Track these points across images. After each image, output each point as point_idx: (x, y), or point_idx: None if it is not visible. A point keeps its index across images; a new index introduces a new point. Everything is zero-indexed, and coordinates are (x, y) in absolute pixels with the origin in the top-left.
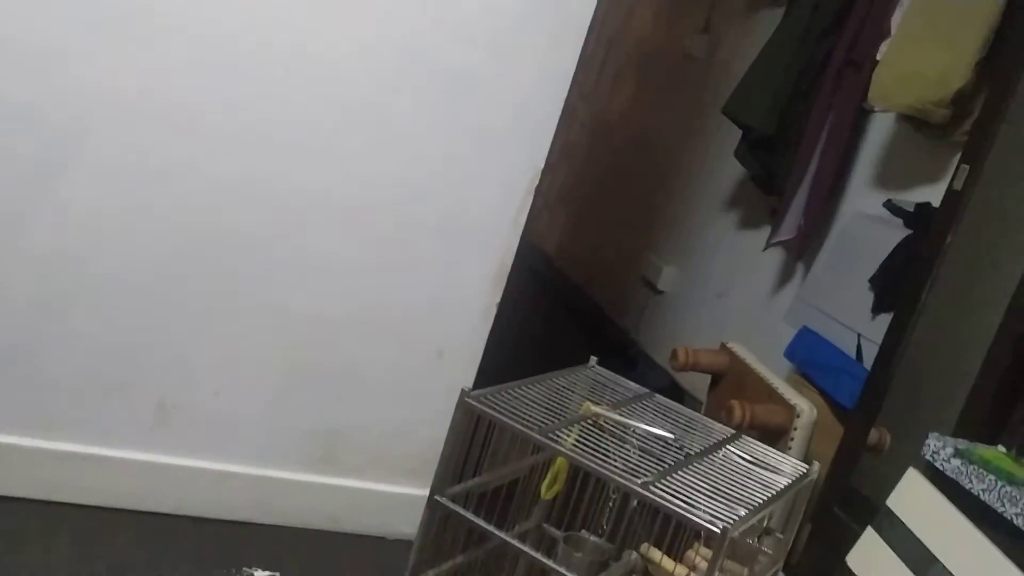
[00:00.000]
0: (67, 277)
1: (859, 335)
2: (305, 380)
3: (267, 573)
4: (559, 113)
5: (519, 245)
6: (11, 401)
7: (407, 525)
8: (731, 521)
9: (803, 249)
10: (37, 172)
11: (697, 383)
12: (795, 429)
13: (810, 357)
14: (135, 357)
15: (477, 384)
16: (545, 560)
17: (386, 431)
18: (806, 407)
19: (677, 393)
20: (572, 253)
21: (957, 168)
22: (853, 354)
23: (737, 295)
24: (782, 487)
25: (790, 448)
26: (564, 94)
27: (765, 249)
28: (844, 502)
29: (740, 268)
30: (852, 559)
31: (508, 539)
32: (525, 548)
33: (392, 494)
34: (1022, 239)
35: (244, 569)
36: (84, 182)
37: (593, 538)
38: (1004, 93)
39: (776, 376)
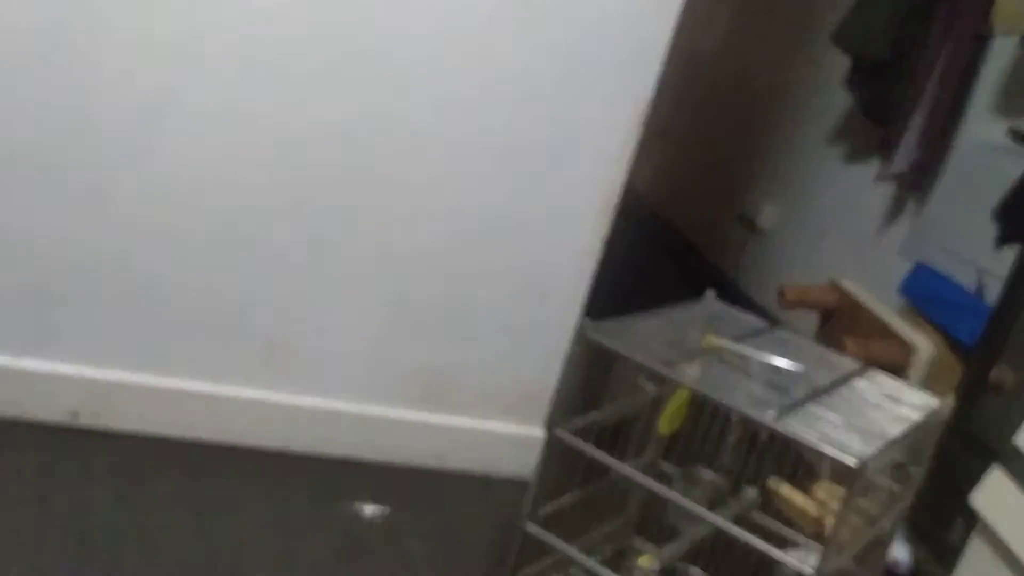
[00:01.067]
0: (175, 221)
1: (981, 270)
2: (409, 318)
3: (377, 507)
4: (667, 41)
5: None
6: (127, 340)
7: (513, 464)
8: (866, 455)
9: (919, 181)
10: (150, 105)
11: (800, 325)
12: (912, 367)
13: (928, 293)
14: (243, 298)
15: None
16: (668, 491)
17: (490, 369)
18: (924, 343)
19: None
20: (665, 191)
21: None
22: (973, 290)
23: (843, 232)
24: (914, 421)
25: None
26: (669, 30)
27: (876, 180)
28: (968, 444)
29: (846, 204)
30: (977, 500)
31: (633, 474)
32: (648, 480)
33: (497, 433)
34: None
35: (355, 504)
36: (189, 128)
37: (709, 474)
38: None
39: (891, 313)
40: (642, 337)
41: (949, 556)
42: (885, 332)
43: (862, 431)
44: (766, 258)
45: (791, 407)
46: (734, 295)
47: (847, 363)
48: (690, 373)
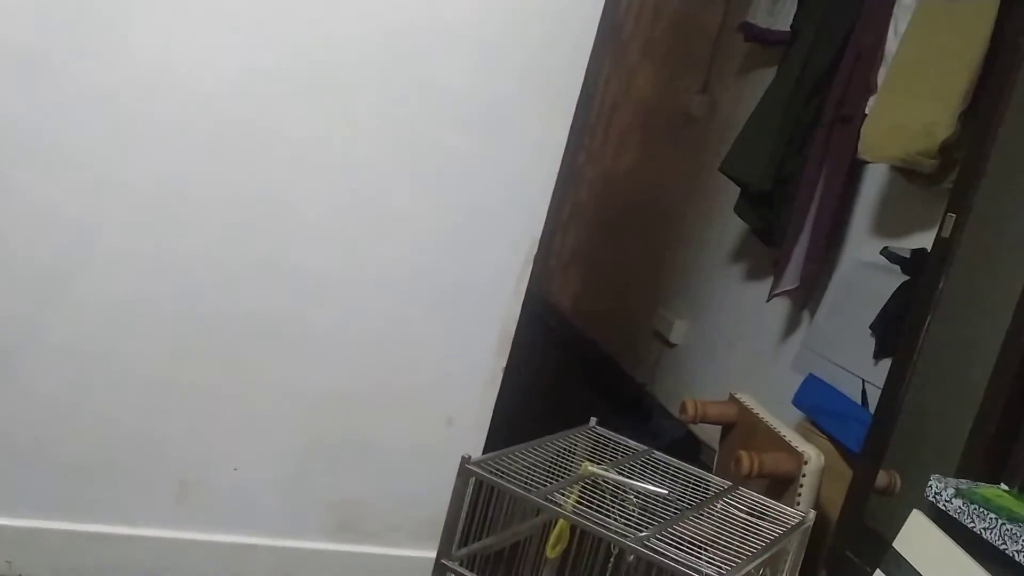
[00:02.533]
0: (86, 367)
1: (863, 380)
2: (321, 453)
3: None
4: (552, 185)
5: (534, 304)
6: (37, 487)
7: None
8: (723, 573)
9: (806, 298)
10: (52, 269)
11: (712, 432)
12: (804, 476)
13: (817, 404)
14: (155, 440)
15: (490, 446)
16: None
17: (402, 498)
18: (813, 454)
19: (693, 443)
20: (586, 310)
21: (944, 216)
22: (859, 399)
23: (746, 345)
24: (775, 536)
25: (800, 495)
26: (556, 167)
27: (769, 300)
28: (856, 545)
29: (748, 319)
30: None
31: None
32: None
33: (410, 558)
34: (1011, 282)
35: None
36: (98, 278)
37: None
38: (984, 143)
39: (784, 424)
40: (524, 467)
41: None
42: (778, 443)
43: (721, 549)
44: (678, 371)
45: (657, 529)
46: (652, 408)
47: (718, 482)
48: (569, 501)
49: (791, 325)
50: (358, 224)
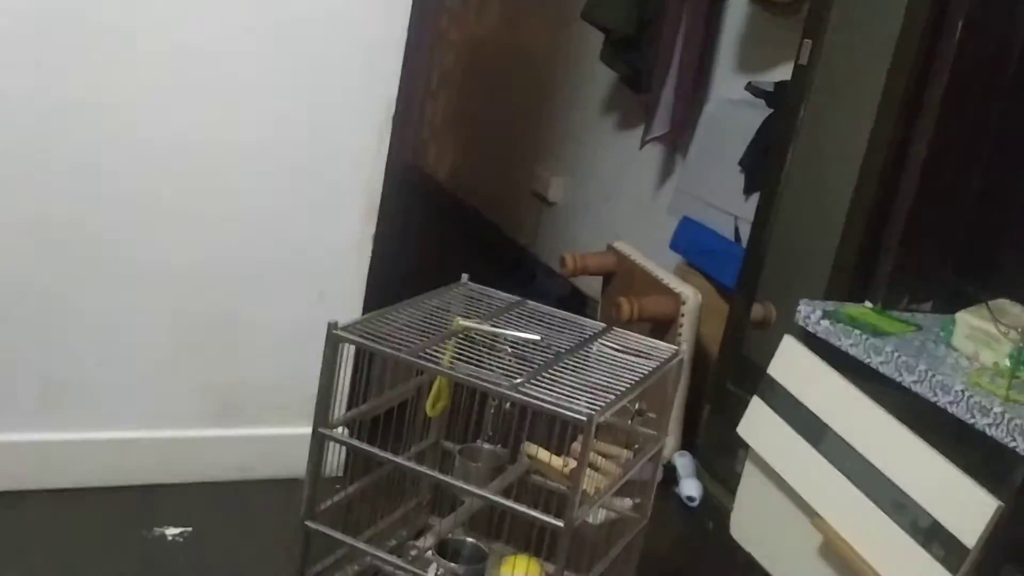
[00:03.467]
0: None
1: (735, 217)
2: (191, 337)
3: (179, 530)
4: (402, 36)
5: (410, 174)
6: None
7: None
8: (596, 409)
9: (677, 142)
10: None
11: (597, 286)
12: (683, 316)
13: (693, 245)
14: (13, 337)
15: None
16: (435, 474)
17: (282, 376)
18: (691, 293)
19: (580, 299)
20: (464, 177)
21: (801, 43)
22: (732, 237)
23: (624, 196)
24: (648, 371)
25: (680, 334)
26: (405, 22)
27: (641, 147)
28: (738, 377)
29: (624, 170)
30: (742, 428)
31: (396, 459)
32: (413, 465)
33: (298, 436)
34: (867, 104)
35: (156, 529)
36: None
37: (488, 446)
38: None
39: (662, 269)
40: (396, 328)
41: (736, 485)
42: (657, 287)
43: (596, 387)
44: (559, 229)
45: (532, 374)
46: (535, 268)
47: (592, 326)
48: (445, 357)
49: (666, 171)
50: (207, 91)
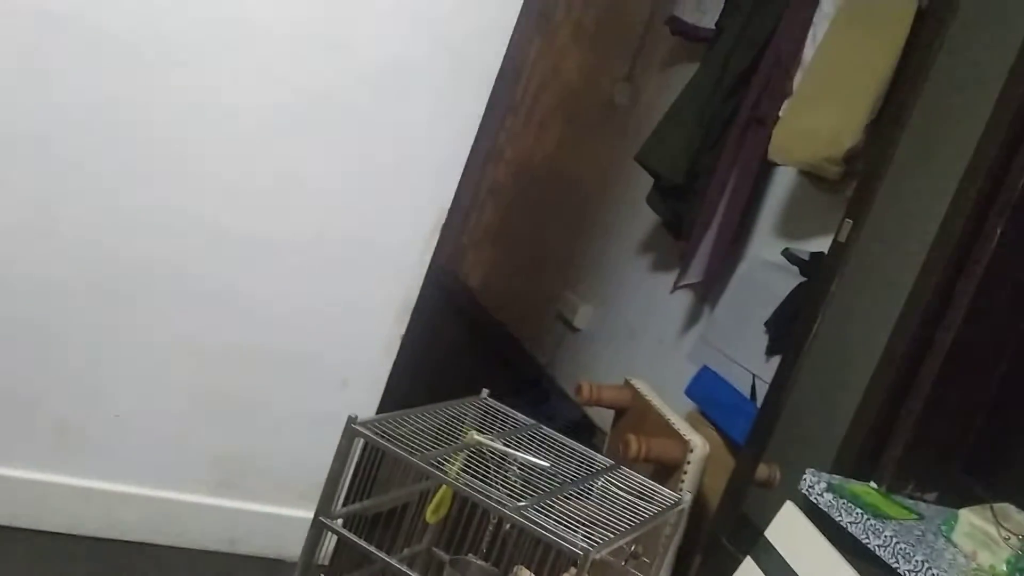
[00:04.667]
0: None
1: (754, 375)
2: (209, 407)
3: None
4: (465, 154)
5: (443, 279)
6: None
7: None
8: (594, 544)
9: (708, 292)
10: None
11: (607, 417)
12: (688, 463)
13: (709, 395)
14: (36, 380)
15: (383, 413)
16: None
17: (290, 458)
18: (699, 442)
19: (588, 427)
20: (495, 290)
21: (842, 221)
22: (748, 393)
23: (648, 334)
24: (650, 515)
25: (683, 481)
26: (471, 137)
27: (673, 292)
28: (733, 533)
29: (651, 309)
30: None
31: (387, 559)
32: (405, 570)
33: (294, 518)
34: (898, 291)
35: None
36: None
37: (478, 562)
38: (884, 153)
39: (674, 413)
40: (412, 431)
41: None
42: (667, 430)
43: (597, 523)
44: (579, 355)
45: (536, 500)
46: (550, 390)
47: (600, 460)
48: (453, 468)
49: (692, 317)
50: (261, 178)
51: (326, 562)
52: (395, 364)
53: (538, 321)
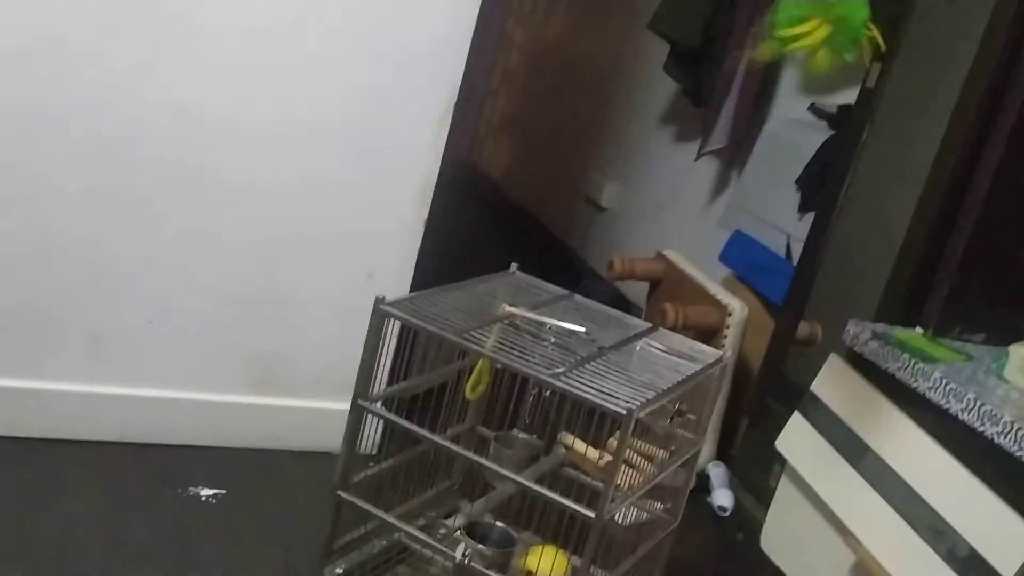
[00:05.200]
0: None
1: (788, 235)
2: (239, 307)
3: (214, 491)
4: (470, 32)
5: (464, 171)
6: None
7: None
8: (637, 404)
9: (734, 157)
10: None
11: (643, 295)
12: (727, 327)
13: (743, 259)
14: (64, 291)
15: None
16: (472, 456)
17: (324, 352)
18: (737, 305)
19: (624, 305)
20: (518, 177)
21: (869, 66)
22: (784, 254)
23: (676, 207)
24: (691, 372)
25: (724, 346)
26: (474, 13)
27: (697, 159)
28: (780, 394)
29: (678, 180)
30: (781, 443)
31: (433, 438)
32: (450, 445)
33: (334, 411)
34: (931, 131)
35: (191, 489)
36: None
37: (523, 435)
38: None
39: (710, 279)
40: (442, 309)
41: (768, 498)
42: (703, 297)
43: (638, 384)
44: (609, 235)
45: (575, 365)
46: (581, 272)
47: (638, 324)
48: (488, 341)
49: (720, 184)
50: (270, 70)
51: (374, 452)
52: (423, 258)
53: (565, 205)
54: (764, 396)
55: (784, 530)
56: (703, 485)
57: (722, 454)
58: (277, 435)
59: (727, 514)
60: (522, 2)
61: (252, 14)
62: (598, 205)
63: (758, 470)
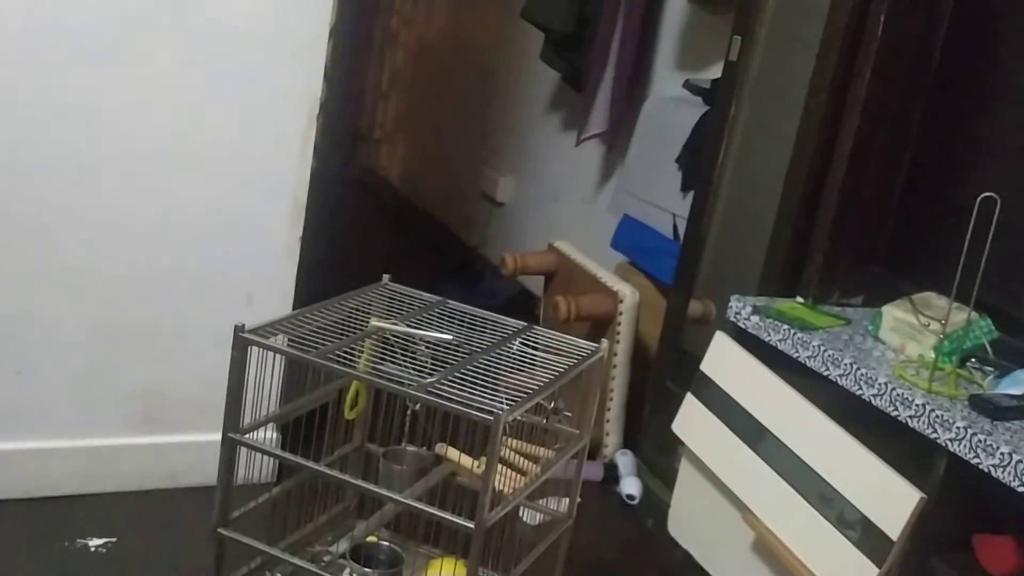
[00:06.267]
0: None
1: (673, 215)
2: (116, 343)
3: (103, 540)
4: (324, 42)
5: (367, 179)
6: None
7: (244, 470)
8: (503, 408)
9: (616, 140)
10: None
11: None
12: (620, 314)
13: (633, 243)
14: None
15: None
16: (346, 478)
17: (208, 382)
18: (628, 291)
19: (528, 299)
20: (415, 179)
21: (731, 39)
22: (671, 234)
23: (570, 196)
24: (564, 368)
25: (619, 332)
26: (326, 20)
27: (578, 144)
28: (678, 376)
29: (569, 170)
30: (677, 426)
31: (309, 464)
32: (326, 470)
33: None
34: (794, 102)
35: (78, 540)
36: None
37: (412, 448)
38: None
39: (601, 267)
40: (314, 330)
41: (675, 482)
42: (595, 286)
43: (511, 386)
44: (508, 230)
45: (444, 374)
46: (483, 269)
47: (512, 324)
48: (360, 360)
49: (608, 170)
50: (124, 99)
51: (272, 479)
52: (315, 274)
53: (462, 203)
54: (663, 379)
55: (689, 513)
56: (612, 475)
57: (629, 442)
58: (167, 473)
59: (636, 502)
60: (402, 1)
61: (97, 45)
62: (495, 200)
63: (664, 455)
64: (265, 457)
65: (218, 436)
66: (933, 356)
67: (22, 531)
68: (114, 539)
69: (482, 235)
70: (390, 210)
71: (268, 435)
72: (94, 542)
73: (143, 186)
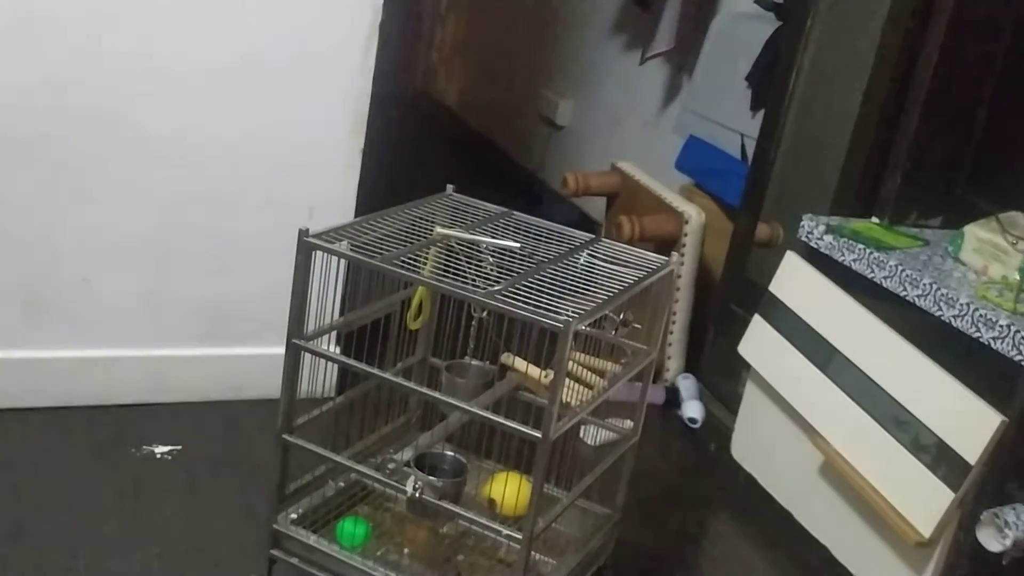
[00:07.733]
0: None
1: (741, 135)
2: (180, 256)
3: (168, 448)
4: None
5: (424, 103)
6: None
7: (307, 383)
8: (574, 316)
9: (684, 59)
10: None
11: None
12: (685, 235)
13: (699, 164)
14: None
15: None
16: (413, 386)
17: (271, 296)
18: (694, 212)
19: (588, 223)
20: (473, 103)
21: None
22: (738, 155)
23: (632, 118)
24: (633, 280)
25: (683, 254)
26: None
27: (642, 63)
28: (744, 300)
29: (632, 91)
30: (743, 348)
31: (375, 372)
32: (393, 378)
33: None
34: (875, 16)
35: (144, 447)
36: None
37: (476, 362)
38: None
39: (666, 188)
40: (376, 237)
41: (739, 407)
42: (660, 206)
43: (578, 295)
44: (568, 153)
45: (511, 282)
46: (542, 193)
47: (580, 236)
48: (425, 267)
49: (673, 90)
50: (189, 5)
51: (332, 394)
52: (374, 191)
53: (521, 127)
54: (728, 303)
55: (753, 436)
56: (674, 399)
57: (691, 366)
58: (231, 386)
59: (698, 425)
60: None
61: None
62: (555, 124)
63: (727, 379)
64: (327, 371)
65: (280, 350)
66: (1018, 277)
67: (90, 438)
68: (179, 447)
69: (541, 159)
70: (448, 134)
71: (330, 348)
72: (160, 449)
73: (208, 100)
